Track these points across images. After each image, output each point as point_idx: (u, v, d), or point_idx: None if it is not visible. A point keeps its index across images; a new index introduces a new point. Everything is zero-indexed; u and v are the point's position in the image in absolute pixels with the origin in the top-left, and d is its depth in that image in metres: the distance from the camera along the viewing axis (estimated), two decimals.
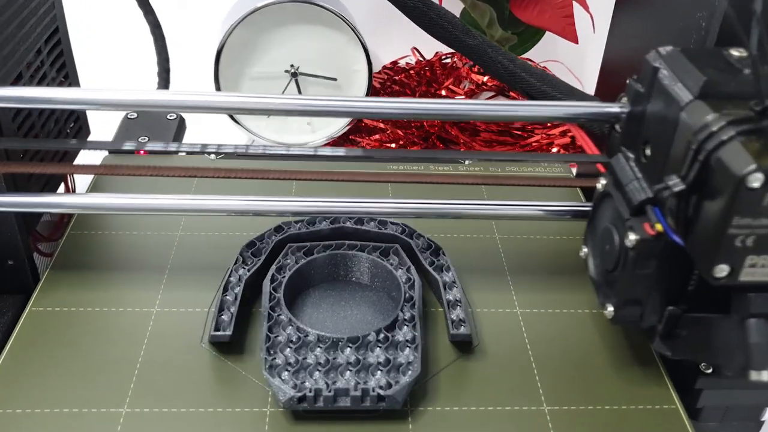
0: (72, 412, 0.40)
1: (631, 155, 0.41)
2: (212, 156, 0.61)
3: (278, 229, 0.50)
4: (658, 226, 0.36)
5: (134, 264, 0.50)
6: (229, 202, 0.47)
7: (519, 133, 0.88)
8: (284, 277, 0.46)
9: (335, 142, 0.84)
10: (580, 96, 0.50)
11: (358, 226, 0.50)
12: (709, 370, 0.43)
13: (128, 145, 0.45)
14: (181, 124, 0.65)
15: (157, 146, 0.46)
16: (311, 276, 0.48)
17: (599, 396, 0.43)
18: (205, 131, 0.73)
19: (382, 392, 0.39)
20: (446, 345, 0.45)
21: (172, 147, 0.46)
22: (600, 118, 0.44)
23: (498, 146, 0.86)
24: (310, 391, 0.39)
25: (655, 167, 0.38)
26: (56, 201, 0.47)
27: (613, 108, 0.43)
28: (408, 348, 0.42)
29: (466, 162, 0.63)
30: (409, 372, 0.41)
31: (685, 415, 0.42)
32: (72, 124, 0.57)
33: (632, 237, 0.37)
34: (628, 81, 0.41)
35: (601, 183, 0.42)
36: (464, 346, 0.45)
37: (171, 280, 0.49)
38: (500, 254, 0.53)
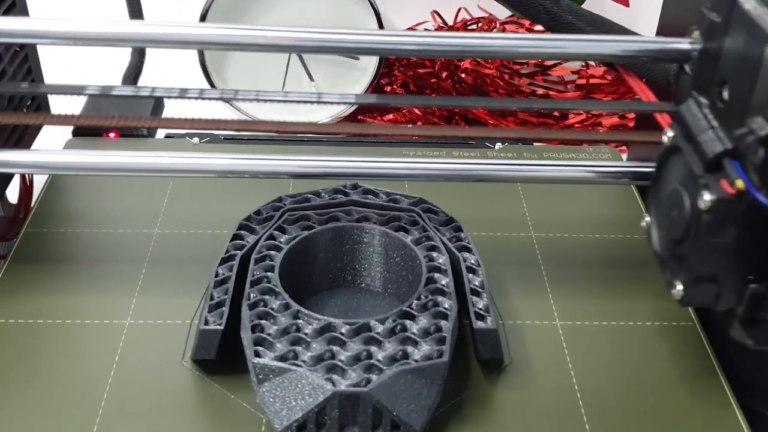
0: None
1: (704, 101, 0.40)
2: (195, 140, 0.61)
3: (279, 201, 0.50)
4: (739, 183, 0.35)
5: (103, 268, 0.50)
6: (221, 161, 0.47)
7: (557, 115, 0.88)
8: (283, 246, 0.46)
9: (342, 123, 0.84)
10: None
11: (368, 199, 0.50)
12: None
13: (91, 90, 0.45)
14: (158, 104, 0.65)
15: (126, 90, 0.45)
16: (313, 250, 0.48)
17: (655, 425, 0.42)
18: (188, 113, 0.72)
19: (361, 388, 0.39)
20: (472, 364, 0.45)
21: (145, 92, 0.45)
22: (666, 56, 0.43)
23: (535, 127, 0.85)
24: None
25: (734, 113, 0.37)
26: (19, 159, 0.47)
27: (683, 44, 0.42)
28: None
29: (497, 146, 0.63)
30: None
31: None
32: (29, 102, 0.57)
33: (707, 197, 0.35)
34: (701, 9, 0.40)
35: (668, 136, 0.41)
36: (493, 364, 0.44)
37: (146, 286, 0.49)
38: (536, 255, 0.53)
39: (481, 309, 0.44)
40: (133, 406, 0.41)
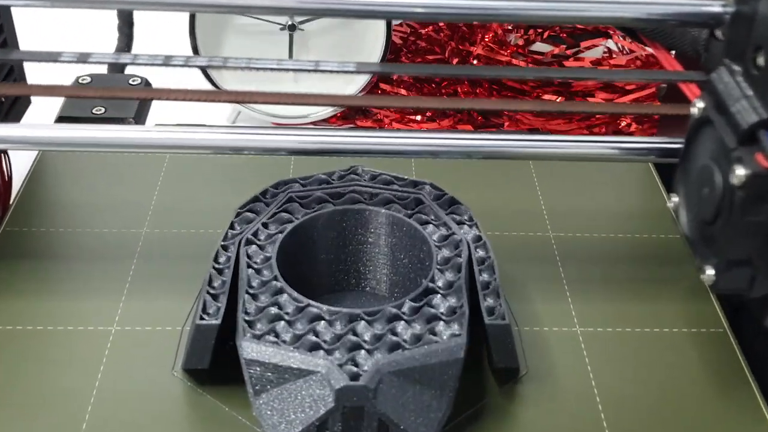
0: None
1: (737, 68, 0.39)
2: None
3: (280, 185, 0.49)
4: None
5: (87, 270, 0.50)
6: (217, 135, 0.47)
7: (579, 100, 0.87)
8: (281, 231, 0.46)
9: (345, 114, 0.84)
10: None
11: (372, 183, 0.50)
12: None
13: (67, 57, 0.44)
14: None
15: (107, 58, 0.45)
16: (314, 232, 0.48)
17: None
18: (178, 104, 0.72)
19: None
20: (485, 373, 0.44)
21: (126, 59, 0.45)
22: (695, 20, 0.42)
23: (552, 119, 0.85)
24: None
25: None
26: (5, 134, 0.46)
27: (714, 7, 0.41)
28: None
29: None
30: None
31: None
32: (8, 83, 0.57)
33: (740, 172, 0.35)
34: None
35: (697, 107, 0.40)
36: (508, 374, 0.44)
37: (134, 289, 0.49)
38: (555, 256, 0.52)
39: (492, 304, 0.44)
40: (119, 419, 0.41)
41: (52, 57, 0.44)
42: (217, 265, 0.45)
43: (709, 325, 0.48)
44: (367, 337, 0.40)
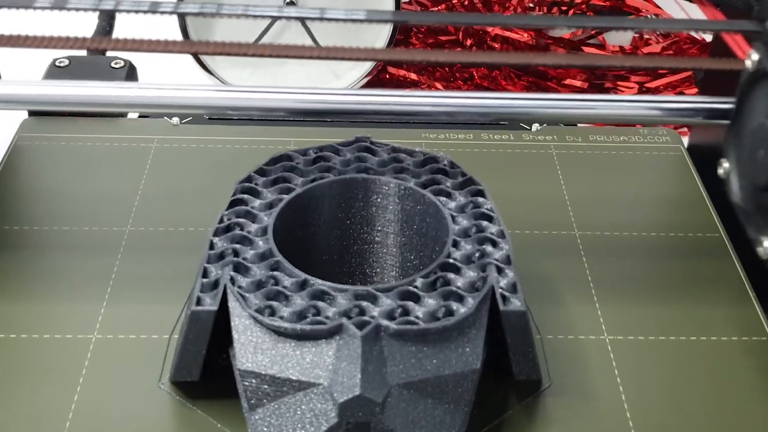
0: None
1: None
2: (174, 120, 0.61)
3: (281, 159, 0.49)
4: None
5: (65, 271, 0.50)
6: (212, 93, 0.47)
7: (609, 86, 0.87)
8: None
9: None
10: None
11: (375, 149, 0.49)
12: None
13: (42, 2, 0.44)
14: (130, 75, 0.64)
15: (85, 4, 0.44)
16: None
17: None
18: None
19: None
20: (503, 386, 0.44)
21: (107, 6, 0.44)
22: None
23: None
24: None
25: None
26: None
27: None
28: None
29: (534, 127, 0.62)
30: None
31: None
32: None
33: None
34: None
35: (751, 60, 0.40)
36: (530, 387, 0.44)
37: (117, 293, 0.49)
38: (581, 256, 0.52)
39: (504, 288, 0.43)
40: None
41: (22, 2, 0.43)
42: (215, 248, 0.44)
43: (751, 333, 0.47)
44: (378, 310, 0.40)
